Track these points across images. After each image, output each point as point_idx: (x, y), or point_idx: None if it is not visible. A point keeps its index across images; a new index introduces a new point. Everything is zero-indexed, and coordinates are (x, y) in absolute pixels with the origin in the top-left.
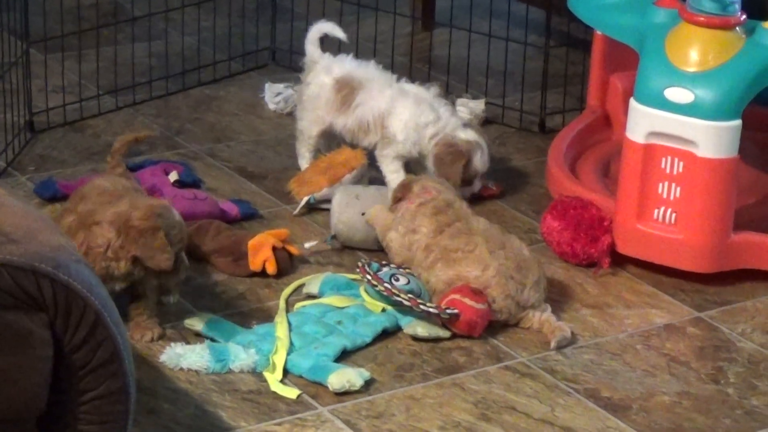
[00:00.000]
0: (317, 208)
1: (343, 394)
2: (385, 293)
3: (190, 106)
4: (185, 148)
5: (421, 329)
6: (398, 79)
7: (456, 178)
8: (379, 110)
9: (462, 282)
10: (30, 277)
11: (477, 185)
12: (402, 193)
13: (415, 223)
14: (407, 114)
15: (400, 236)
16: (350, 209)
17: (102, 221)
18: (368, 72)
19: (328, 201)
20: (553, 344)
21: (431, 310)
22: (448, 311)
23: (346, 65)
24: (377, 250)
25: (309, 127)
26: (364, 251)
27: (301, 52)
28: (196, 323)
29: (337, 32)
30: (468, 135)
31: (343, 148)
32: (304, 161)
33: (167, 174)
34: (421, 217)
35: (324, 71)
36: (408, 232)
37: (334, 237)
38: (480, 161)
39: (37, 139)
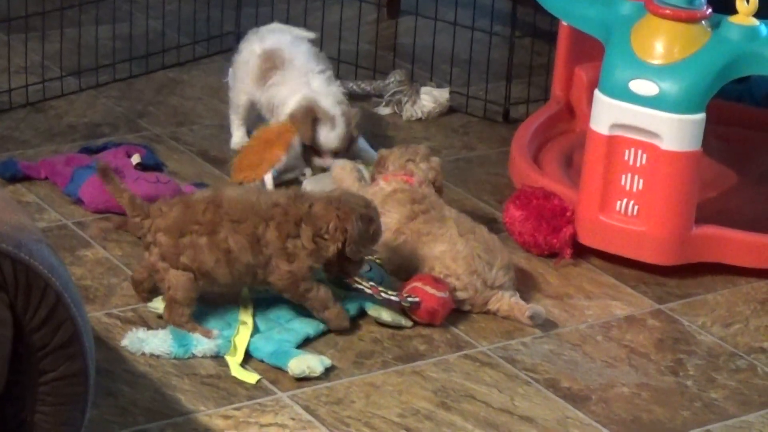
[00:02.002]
0: (282, 182)
1: (303, 380)
2: (346, 280)
3: (154, 89)
4: (148, 131)
5: (386, 314)
6: (323, 70)
7: (306, 134)
8: (282, 98)
9: (429, 260)
10: None
11: (328, 161)
12: (378, 169)
13: (386, 207)
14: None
15: None
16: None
17: (317, 203)
18: (297, 53)
19: (288, 171)
20: (527, 313)
21: (392, 298)
22: (409, 299)
23: (280, 39)
24: None
25: (237, 95)
26: None
27: None
28: (159, 306)
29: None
30: (330, 106)
31: (271, 124)
32: (234, 129)
33: (129, 157)
34: (393, 203)
35: (258, 40)
36: None
37: None
38: (326, 134)
39: None
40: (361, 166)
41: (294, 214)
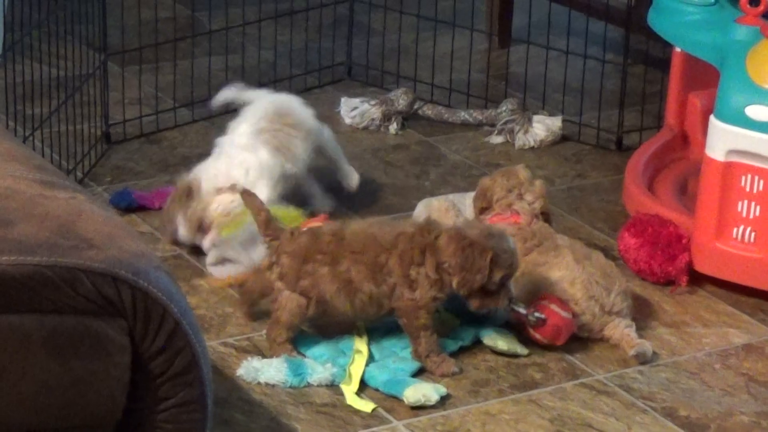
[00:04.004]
0: None
1: (419, 409)
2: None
3: None
4: None
5: (502, 342)
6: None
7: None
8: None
9: (546, 287)
10: (110, 283)
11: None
12: (484, 203)
13: None
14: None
15: None
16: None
17: (443, 235)
18: (251, 120)
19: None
20: (632, 352)
21: (520, 310)
22: (536, 314)
23: (270, 99)
24: None
25: None
26: None
27: (377, 68)
28: None
29: (244, 96)
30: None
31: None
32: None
33: None
34: None
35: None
36: None
37: None
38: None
39: (113, 150)
40: (458, 197)
41: (420, 243)
